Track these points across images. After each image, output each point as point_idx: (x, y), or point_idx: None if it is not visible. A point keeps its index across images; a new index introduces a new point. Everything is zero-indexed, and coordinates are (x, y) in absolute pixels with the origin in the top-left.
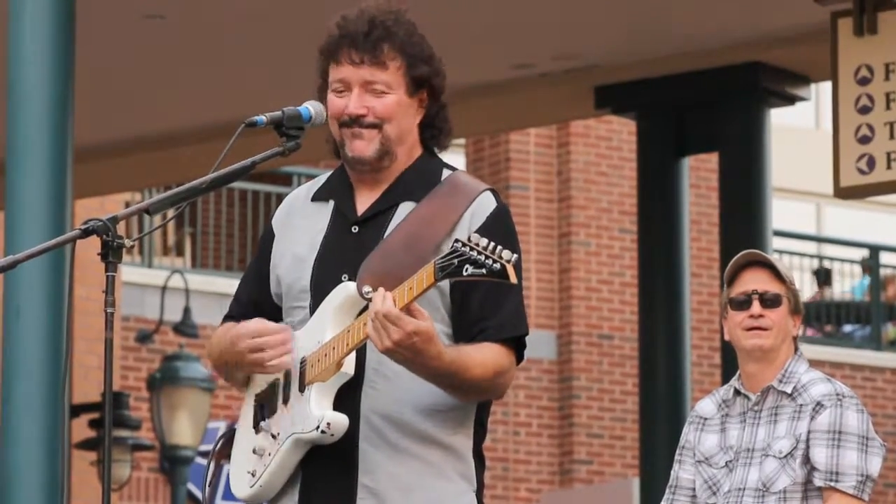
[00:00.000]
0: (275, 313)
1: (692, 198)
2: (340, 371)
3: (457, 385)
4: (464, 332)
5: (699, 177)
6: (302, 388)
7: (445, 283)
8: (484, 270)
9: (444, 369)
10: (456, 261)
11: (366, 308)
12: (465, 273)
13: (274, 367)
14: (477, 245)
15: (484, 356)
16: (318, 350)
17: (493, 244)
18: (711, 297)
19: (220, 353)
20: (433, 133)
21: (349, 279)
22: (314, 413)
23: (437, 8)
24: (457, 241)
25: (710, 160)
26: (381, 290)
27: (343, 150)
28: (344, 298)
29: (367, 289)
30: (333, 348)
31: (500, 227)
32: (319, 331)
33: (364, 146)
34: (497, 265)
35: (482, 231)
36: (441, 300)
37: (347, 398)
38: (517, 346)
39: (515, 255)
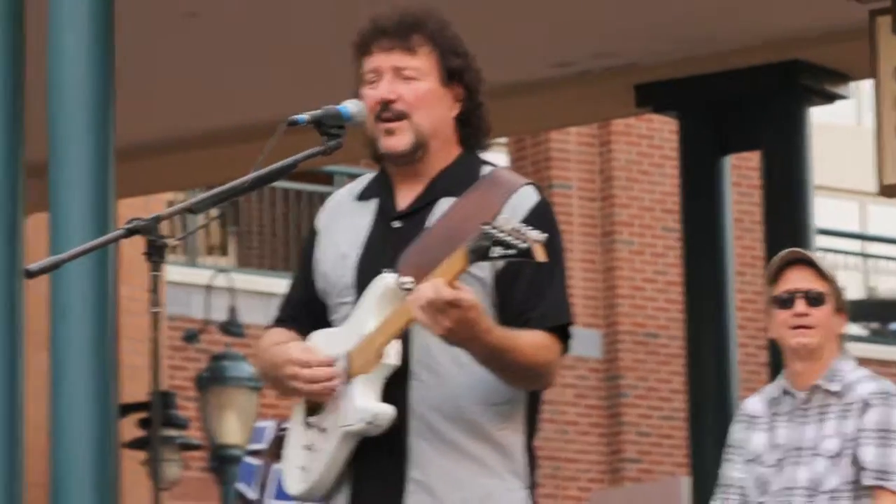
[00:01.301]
0: (323, 313)
1: (734, 196)
2: (384, 362)
3: (507, 363)
4: (509, 324)
5: (741, 174)
6: (348, 382)
7: (488, 277)
8: (513, 251)
9: (497, 343)
10: (485, 243)
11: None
12: (494, 255)
13: (316, 398)
14: (505, 227)
15: (533, 338)
16: (361, 343)
17: (520, 225)
18: (756, 295)
19: (262, 368)
20: (469, 131)
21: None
22: (359, 405)
23: (477, 6)
24: (485, 223)
25: (752, 157)
26: (432, 280)
27: (377, 146)
28: (383, 290)
29: (404, 279)
30: (375, 340)
31: (541, 221)
32: (361, 324)
33: (396, 141)
34: (525, 245)
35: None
36: (484, 294)
37: (396, 392)
38: (562, 335)
39: (545, 235)
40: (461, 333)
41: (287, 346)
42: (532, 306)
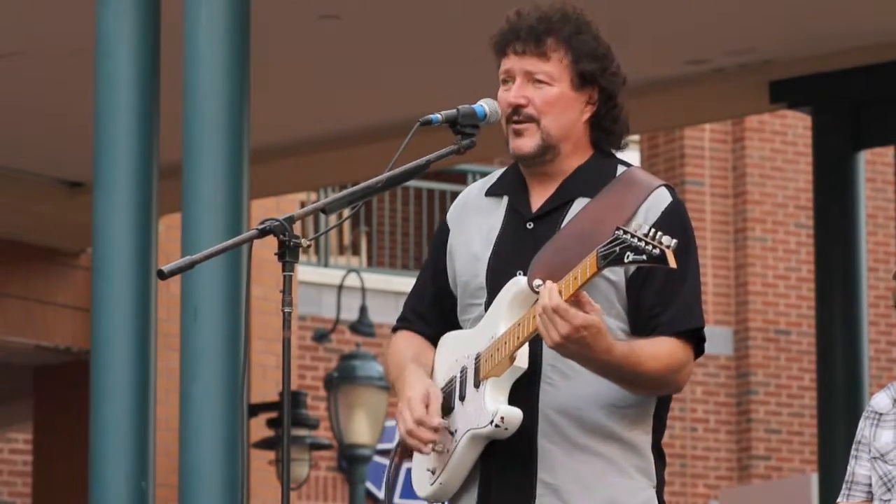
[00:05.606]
0: (451, 308)
1: (868, 191)
2: (514, 365)
3: (629, 379)
4: (639, 327)
5: (875, 170)
6: (477, 384)
7: (621, 280)
8: (644, 256)
9: (616, 363)
10: (617, 248)
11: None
12: (626, 260)
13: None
14: (637, 232)
15: (658, 350)
16: (492, 345)
17: (653, 231)
18: (889, 291)
19: (388, 375)
20: (599, 135)
21: (523, 275)
22: (488, 407)
23: (612, 4)
24: (618, 228)
25: (886, 154)
26: (548, 283)
27: (509, 146)
28: (516, 293)
29: (537, 282)
30: (505, 342)
31: (674, 223)
32: (492, 326)
33: (523, 143)
34: (656, 250)
35: (657, 226)
36: (617, 296)
37: (525, 395)
38: (695, 339)
39: (675, 241)
40: (573, 348)
41: (412, 380)
42: (661, 310)
